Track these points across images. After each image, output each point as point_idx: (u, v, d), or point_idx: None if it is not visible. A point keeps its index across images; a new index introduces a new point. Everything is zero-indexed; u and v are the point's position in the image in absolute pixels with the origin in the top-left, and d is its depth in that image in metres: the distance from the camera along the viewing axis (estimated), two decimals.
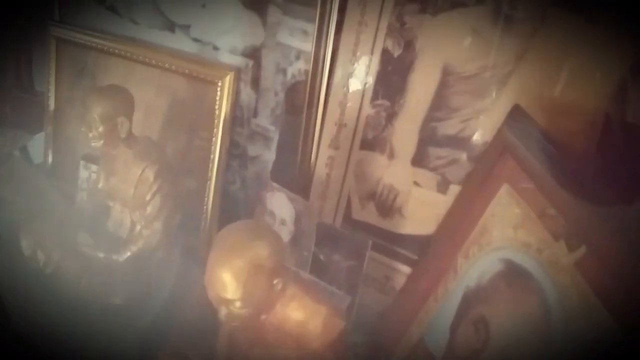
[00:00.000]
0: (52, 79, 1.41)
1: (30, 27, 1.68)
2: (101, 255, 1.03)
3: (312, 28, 0.99)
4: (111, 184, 1.04)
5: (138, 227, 1.04)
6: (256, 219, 1.21)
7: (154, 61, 1.21)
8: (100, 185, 1.09)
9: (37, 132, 1.52)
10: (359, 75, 0.98)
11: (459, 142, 0.92)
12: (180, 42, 1.20)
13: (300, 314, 0.81)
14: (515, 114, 0.80)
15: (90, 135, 0.97)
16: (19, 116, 1.64)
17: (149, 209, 1.01)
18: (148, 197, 1.00)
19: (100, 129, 0.95)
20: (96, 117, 0.94)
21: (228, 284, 0.73)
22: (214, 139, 1.18)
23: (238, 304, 0.75)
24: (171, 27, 1.20)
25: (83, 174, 1.33)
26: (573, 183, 0.68)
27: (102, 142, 0.97)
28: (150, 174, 0.99)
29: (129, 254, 1.03)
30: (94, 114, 0.94)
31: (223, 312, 0.77)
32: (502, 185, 0.77)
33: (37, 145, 1.48)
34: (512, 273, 0.74)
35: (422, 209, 0.99)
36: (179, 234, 1.12)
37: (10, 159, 1.31)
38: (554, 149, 0.73)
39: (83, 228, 1.07)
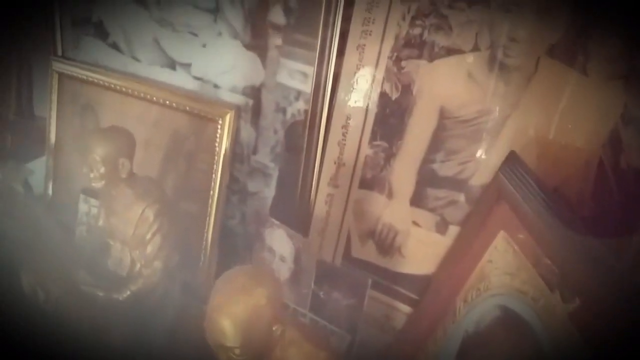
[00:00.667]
0: (54, 112, 1.43)
1: (32, 58, 1.72)
2: (101, 294, 1.03)
3: (311, 71, 1.00)
4: (111, 223, 1.05)
5: (138, 266, 1.05)
6: (255, 258, 1.22)
7: (154, 98, 1.23)
8: (100, 223, 1.10)
9: (38, 157, 1.54)
10: (357, 116, 1.00)
11: (457, 183, 0.93)
12: (181, 80, 1.22)
13: (300, 359, 0.81)
14: (511, 160, 0.81)
15: (92, 175, 0.98)
16: (20, 144, 1.67)
17: (149, 248, 1.01)
18: (148, 237, 1.01)
19: (102, 170, 0.96)
20: (98, 159, 0.95)
21: (227, 331, 0.74)
22: (213, 175, 1.20)
23: (237, 350, 0.75)
24: (172, 64, 1.22)
25: (83, 207, 1.34)
26: (566, 231, 0.69)
27: (103, 182, 0.98)
28: (150, 214, 1.00)
29: (128, 293, 1.03)
30: (96, 156, 0.95)
31: (222, 358, 0.77)
32: (498, 231, 0.78)
33: (38, 174, 1.49)
34: (509, 320, 0.74)
35: (422, 248, 0.99)
36: (178, 270, 1.12)
37: (10, 193, 1.32)
38: (547, 198, 0.74)
39: (83, 266, 1.08)
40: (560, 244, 0.67)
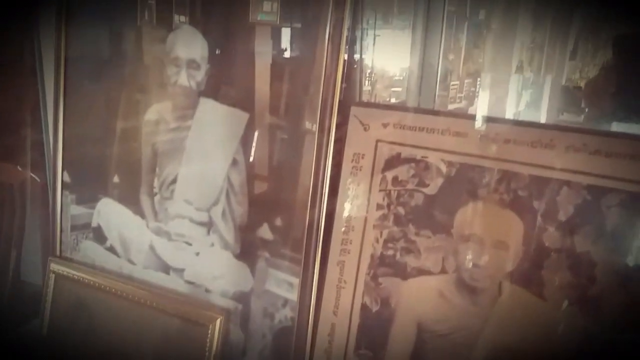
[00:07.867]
0: (47, 310, 1.46)
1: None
2: None
3: (297, 282, 1.09)
4: None
5: None
6: None
7: (147, 302, 1.28)
8: None
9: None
10: (342, 326, 1.06)
11: None
12: (174, 283, 1.28)
13: None
14: None
15: None
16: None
17: None
18: None
19: None
20: None
21: None
22: None
23: None
24: (166, 269, 1.30)
25: None
26: None
27: None
28: None
29: None
30: None
31: None
32: None
33: None
34: None
35: None
36: None
37: None
38: None
39: None
40: None
